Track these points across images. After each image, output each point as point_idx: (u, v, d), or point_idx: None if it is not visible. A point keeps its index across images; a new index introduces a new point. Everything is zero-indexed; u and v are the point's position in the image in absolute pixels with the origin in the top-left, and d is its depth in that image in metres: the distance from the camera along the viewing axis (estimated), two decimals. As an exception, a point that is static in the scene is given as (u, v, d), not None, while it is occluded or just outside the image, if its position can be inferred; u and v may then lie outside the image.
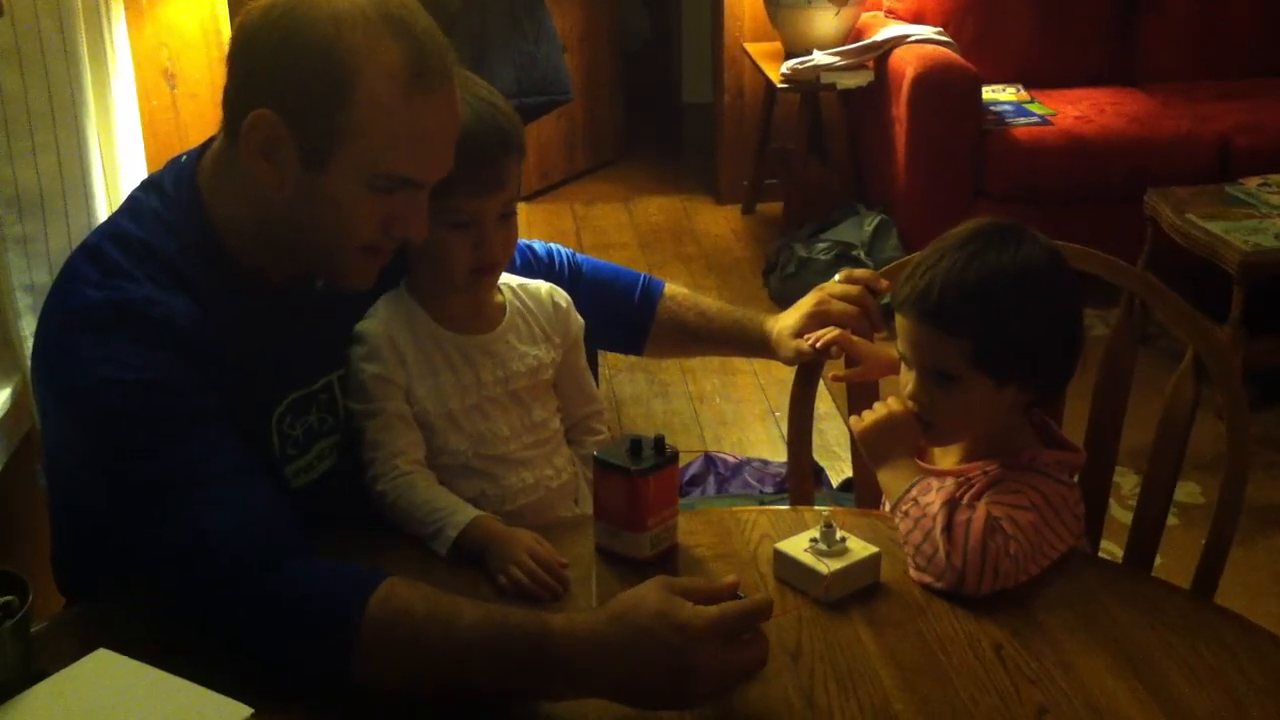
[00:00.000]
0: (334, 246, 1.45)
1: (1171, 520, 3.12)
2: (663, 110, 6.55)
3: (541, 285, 1.71)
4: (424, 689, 1.26)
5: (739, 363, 3.98)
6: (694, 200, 5.52)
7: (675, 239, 5.12)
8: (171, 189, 1.48)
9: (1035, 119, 4.39)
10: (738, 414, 3.80)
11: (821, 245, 4.38)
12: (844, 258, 4.29)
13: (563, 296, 1.71)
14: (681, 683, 1.21)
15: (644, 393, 3.89)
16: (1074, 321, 1.52)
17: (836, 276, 1.80)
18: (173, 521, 1.32)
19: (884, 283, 1.77)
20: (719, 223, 5.30)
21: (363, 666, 1.25)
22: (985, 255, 1.49)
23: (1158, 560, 2.75)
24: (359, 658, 1.25)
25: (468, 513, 1.49)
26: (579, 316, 1.72)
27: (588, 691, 1.24)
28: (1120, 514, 2.87)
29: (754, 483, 3.08)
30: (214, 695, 1.18)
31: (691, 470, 3.18)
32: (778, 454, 3.36)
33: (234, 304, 1.45)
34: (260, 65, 1.38)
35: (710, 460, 3.19)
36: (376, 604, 1.27)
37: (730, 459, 3.22)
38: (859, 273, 1.79)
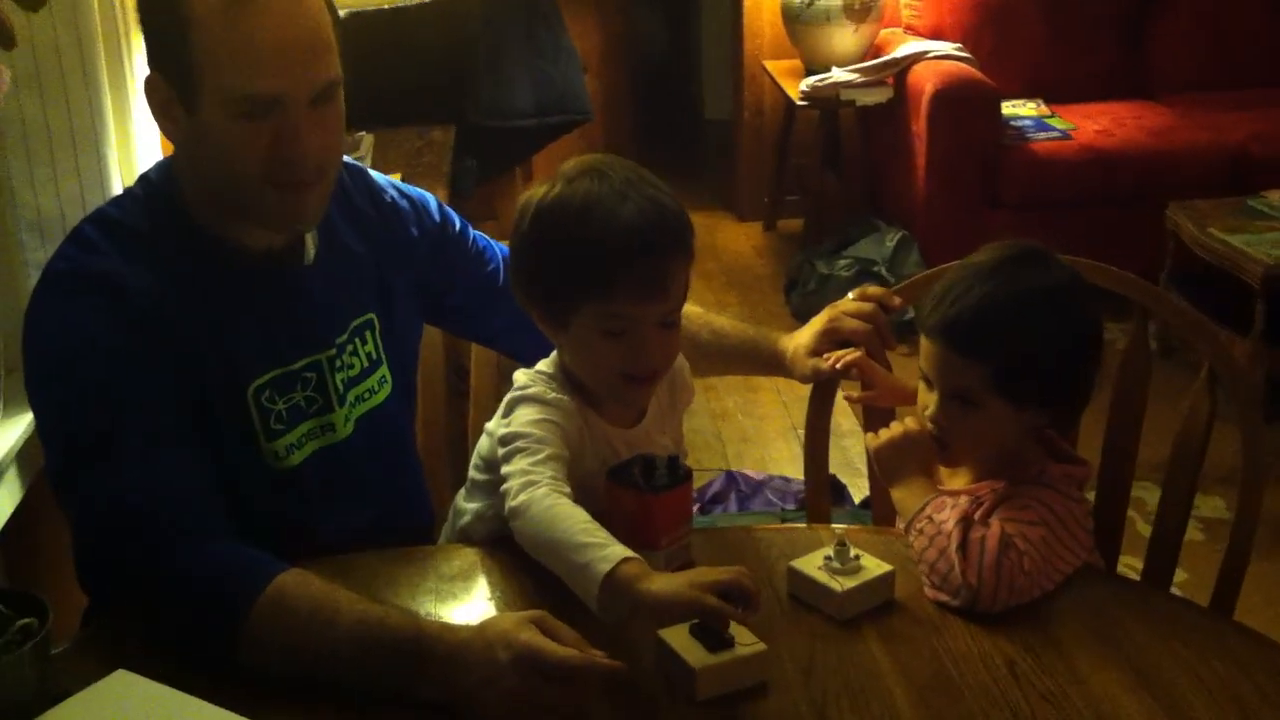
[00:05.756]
0: (238, 186, 1.49)
1: (1197, 535, 3.11)
2: (684, 127, 6.56)
3: None
4: (308, 677, 1.30)
5: (761, 380, 3.98)
6: (715, 217, 5.53)
7: (697, 256, 5.11)
8: (153, 175, 1.56)
9: (1055, 133, 4.38)
10: (760, 431, 3.80)
11: (843, 262, 4.39)
12: (865, 274, 4.29)
13: (684, 361, 1.65)
14: (486, 688, 1.24)
15: (665, 410, 3.89)
16: (1095, 347, 1.54)
17: (850, 294, 1.80)
18: (95, 490, 1.40)
19: (897, 300, 1.77)
20: (740, 239, 5.30)
21: (246, 655, 1.32)
22: (1014, 283, 1.51)
23: (1182, 575, 2.76)
24: (243, 647, 1.31)
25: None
26: (691, 381, 1.68)
27: (448, 694, 1.27)
28: (1144, 529, 2.85)
29: (775, 500, 3.08)
30: (233, 716, 1.19)
31: (713, 488, 3.19)
32: (800, 471, 3.36)
33: (209, 278, 1.52)
34: (142, 31, 1.51)
35: (732, 478, 3.20)
36: (265, 600, 1.33)
37: (752, 476, 3.22)
38: (872, 290, 1.79)
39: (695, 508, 3.11)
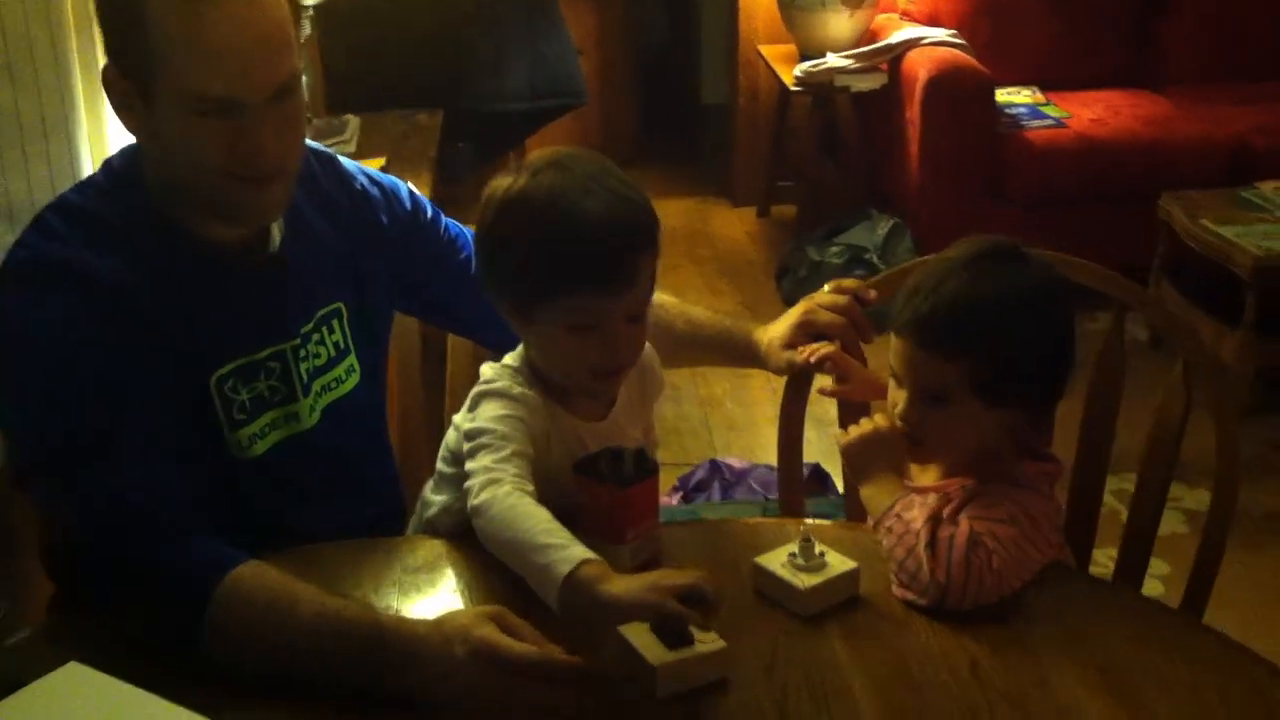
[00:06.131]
0: (198, 180, 1.47)
1: (1181, 528, 3.11)
2: (682, 112, 6.54)
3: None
4: (269, 671, 1.30)
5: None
6: (710, 203, 5.51)
7: (689, 241, 5.11)
8: (117, 162, 1.55)
9: (1050, 121, 4.36)
10: (749, 418, 3.79)
11: (834, 249, 4.37)
12: (857, 261, 4.28)
13: (654, 353, 1.63)
14: (442, 682, 1.25)
15: (654, 397, 3.88)
16: (1068, 346, 1.52)
17: (825, 287, 1.79)
18: (66, 487, 1.40)
19: (872, 293, 1.76)
20: (734, 225, 5.29)
21: (215, 647, 1.32)
22: (987, 281, 1.49)
23: (1165, 568, 2.76)
24: (211, 639, 1.32)
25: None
26: (661, 372, 1.65)
27: (405, 687, 1.27)
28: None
29: (759, 489, 3.08)
30: (182, 711, 1.18)
31: (696, 476, 3.18)
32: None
33: (174, 267, 1.50)
34: (98, 21, 1.48)
35: (715, 467, 3.19)
36: (222, 592, 1.33)
37: (735, 465, 3.21)
38: (847, 283, 1.78)
39: (679, 496, 3.11)
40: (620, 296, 1.44)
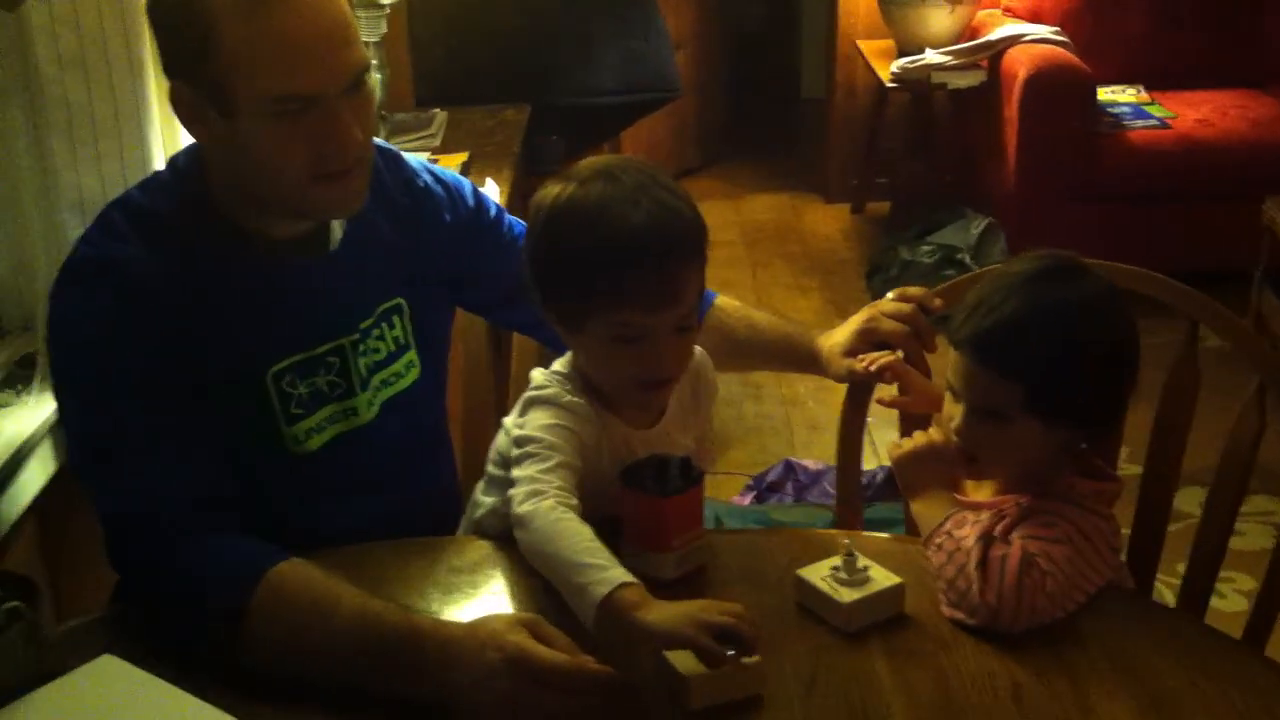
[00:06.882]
0: (284, 185, 1.48)
1: (1271, 544, 3.01)
2: (782, 106, 6.50)
3: (695, 349, 1.57)
4: (305, 673, 1.30)
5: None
6: (803, 198, 5.46)
7: (781, 238, 5.07)
8: (181, 161, 1.57)
9: (1154, 121, 4.26)
10: (830, 418, 3.71)
11: (926, 248, 4.31)
12: (949, 261, 4.21)
13: (707, 358, 1.61)
14: (476, 688, 1.24)
15: (736, 394, 3.86)
16: (1128, 364, 1.47)
17: (889, 295, 1.76)
18: (102, 487, 1.44)
19: (937, 301, 1.72)
20: (827, 222, 5.23)
21: (246, 649, 1.32)
22: (1047, 300, 1.46)
23: (1252, 584, 2.68)
24: (242, 640, 1.32)
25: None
26: (714, 377, 1.64)
27: (439, 692, 1.26)
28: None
29: (834, 491, 3.04)
30: (209, 708, 1.19)
31: (770, 477, 3.16)
32: (866, 461, 3.31)
33: (231, 263, 1.53)
34: (158, 42, 1.51)
35: (790, 467, 3.16)
36: (264, 591, 1.34)
37: (810, 466, 3.18)
38: (912, 291, 1.75)
39: (751, 496, 3.09)
40: (664, 310, 1.42)
